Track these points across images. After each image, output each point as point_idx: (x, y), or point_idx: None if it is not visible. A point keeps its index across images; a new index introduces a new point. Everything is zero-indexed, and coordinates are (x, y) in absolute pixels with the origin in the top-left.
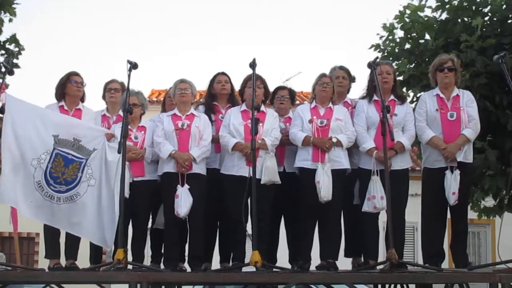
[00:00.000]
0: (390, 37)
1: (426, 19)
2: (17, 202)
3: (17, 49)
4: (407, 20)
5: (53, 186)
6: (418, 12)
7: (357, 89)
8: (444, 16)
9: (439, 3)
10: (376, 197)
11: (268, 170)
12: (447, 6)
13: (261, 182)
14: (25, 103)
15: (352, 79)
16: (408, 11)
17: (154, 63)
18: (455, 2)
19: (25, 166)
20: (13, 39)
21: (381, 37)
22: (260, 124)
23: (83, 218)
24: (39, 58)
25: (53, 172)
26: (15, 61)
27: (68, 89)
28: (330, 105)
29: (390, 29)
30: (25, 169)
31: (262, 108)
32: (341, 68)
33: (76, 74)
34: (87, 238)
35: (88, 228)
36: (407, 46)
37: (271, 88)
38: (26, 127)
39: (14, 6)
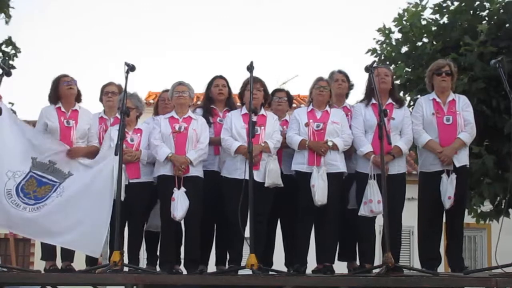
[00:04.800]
0: (387, 41)
1: (424, 22)
2: None
3: (13, 51)
4: (406, 23)
5: (21, 198)
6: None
7: (356, 94)
8: (442, 19)
9: (437, 7)
10: (373, 201)
11: (271, 173)
12: (444, 10)
13: (265, 185)
14: (16, 118)
15: (350, 85)
16: (406, 14)
17: (151, 65)
18: (453, 7)
19: None
20: (9, 41)
21: (377, 42)
22: (262, 127)
23: (52, 225)
24: (35, 59)
25: (24, 188)
26: (11, 62)
27: (61, 91)
28: (327, 108)
29: (386, 33)
30: None
31: (262, 111)
32: (340, 72)
33: (65, 75)
34: (61, 245)
35: (63, 235)
36: (405, 49)
37: (269, 91)
38: (10, 141)
39: (9, 8)
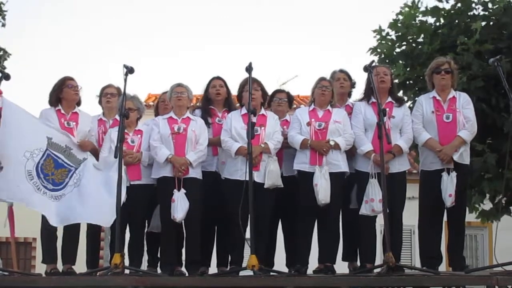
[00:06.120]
0: (383, 41)
1: (419, 23)
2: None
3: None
4: (401, 25)
5: (42, 180)
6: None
7: (357, 94)
8: (438, 21)
9: (433, 10)
10: (374, 200)
11: (271, 174)
12: (442, 12)
13: (265, 186)
14: (21, 109)
15: (352, 83)
16: (401, 17)
17: (151, 67)
18: (449, 6)
19: (16, 157)
20: None
21: (377, 40)
22: (262, 127)
23: (71, 207)
24: (32, 61)
25: (44, 168)
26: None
27: (65, 94)
28: (329, 107)
29: (383, 35)
30: (16, 160)
31: (263, 111)
32: (342, 71)
33: (71, 78)
34: (79, 221)
35: (77, 212)
36: (401, 48)
37: (269, 91)
38: (21, 127)
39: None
